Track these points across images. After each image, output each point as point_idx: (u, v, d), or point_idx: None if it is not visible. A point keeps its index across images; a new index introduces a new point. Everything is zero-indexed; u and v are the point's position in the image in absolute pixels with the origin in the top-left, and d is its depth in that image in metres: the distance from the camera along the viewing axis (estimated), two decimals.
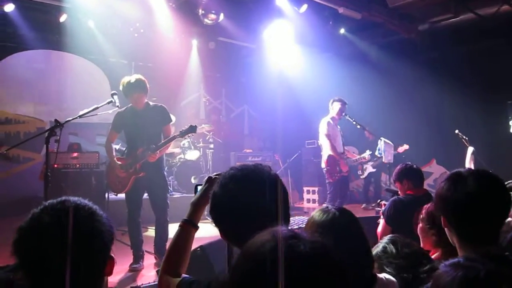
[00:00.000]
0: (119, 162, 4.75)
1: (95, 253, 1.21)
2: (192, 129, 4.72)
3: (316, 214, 1.83)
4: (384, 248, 1.93)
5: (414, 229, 3.30)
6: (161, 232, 4.76)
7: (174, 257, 1.69)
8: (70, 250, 1.11)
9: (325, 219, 1.76)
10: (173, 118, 8.10)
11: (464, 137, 6.83)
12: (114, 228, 1.30)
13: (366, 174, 8.89)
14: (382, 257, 1.91)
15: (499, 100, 8.56)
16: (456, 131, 6.94)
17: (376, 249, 1.97)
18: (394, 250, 1.89)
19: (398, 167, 3.89)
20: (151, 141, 4.65)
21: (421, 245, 2.14)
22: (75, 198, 1.26)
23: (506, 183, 2.85)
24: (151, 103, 4.82)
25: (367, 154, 6.23)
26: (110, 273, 1.26)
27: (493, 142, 8.05)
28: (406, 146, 8.23)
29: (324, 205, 1.88)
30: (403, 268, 1.84)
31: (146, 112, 4.71)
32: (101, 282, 1.25)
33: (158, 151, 4.62)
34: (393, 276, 1.80)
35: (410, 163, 3.95)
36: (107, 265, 1.24)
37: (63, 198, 1.26)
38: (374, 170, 8.78)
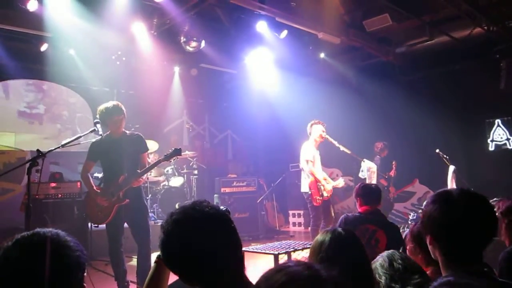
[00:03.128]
0: (99, 191, 4.65)
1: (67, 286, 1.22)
2: (177, 151, 4.56)
3: (320, 236, 1.98)
4: (381, 262, 2.04)
5: None
6: (144, 261, 4.64)
7: None
8: (39, 285, 1.14)
9: (328, 238, 1.92)
10: (156, 145, 8.13)
11: (445, 156, 6.94)
12: (86, 259, 1.31)
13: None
14: (377, 269, 2.01)
15: (477, 119, 8.77)
16: (437, 151, 7.04)
17: (375, 263, 2.05)
18: (387, 264, 1.99)
19: (356, 186, 4.01)
20: (129, 169, 4.57)
21: None
22: (48, 230, 1.27)
23: (491, 200, 2.93)
24: (127, 132, 4.78)
25: (341, 182, 5.95)
26: None
27: (473, 160, 8.21)
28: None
29: (327, 228, 2.01)
30: (393, 279, 1.93)
31: (123, 140, 4.65)
32: None
33: (143, 176, 4.59)
34: (384, 286, 1.91)
35: (367, 182, 4.03)
36: None
37: (35, 230, 1.28)
38: None
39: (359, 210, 3.82)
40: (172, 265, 1.48)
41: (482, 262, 1.51)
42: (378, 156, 8.33)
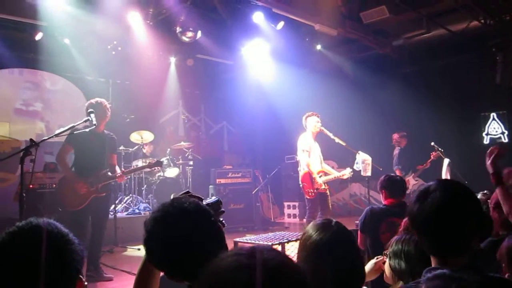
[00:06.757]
0: (80, 178, 4.81)
1: (67, 280, 1.21)
2: (158, 163, 5.40)
3: (312, 232, 1.74)
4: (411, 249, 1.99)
5: (381, 238, 3.37)
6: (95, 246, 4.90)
7: (142, 285, 1.68)
8: (42, 278, 1.11)
9: (323, 237, 1.71)
10: (151, 135, 8.11)
11: (440, 149, 6.97)
12: (84, 252, 1.30)
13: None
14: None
15: (472, 112, 8.79)
16: (432, 143, 7.07)
17: (400, 247, 2.01)
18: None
19: (381, 178, 3.95)
20: (106, 165, 4.97)
21: None
22: (46, 222, 1.24)
23: (479, 193, 2.93)
24: (105, 131, 5.07)
25: (348, 172, 5.77)
26: None
27: (468, 153, 8.21)
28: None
29: (318, 219, 1.83)
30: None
31: (104, 137, 4.97)
32: None
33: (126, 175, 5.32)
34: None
35: (392, 174, 4.00)
36: (77, 286, 1.25)
37: (33, 222, 1.23)
38: None
39: (384, 202, 3.74)
40: (155, 262, 1.49)
41: (470, 256, 1.46)
42: (398, 147, 8.11)
